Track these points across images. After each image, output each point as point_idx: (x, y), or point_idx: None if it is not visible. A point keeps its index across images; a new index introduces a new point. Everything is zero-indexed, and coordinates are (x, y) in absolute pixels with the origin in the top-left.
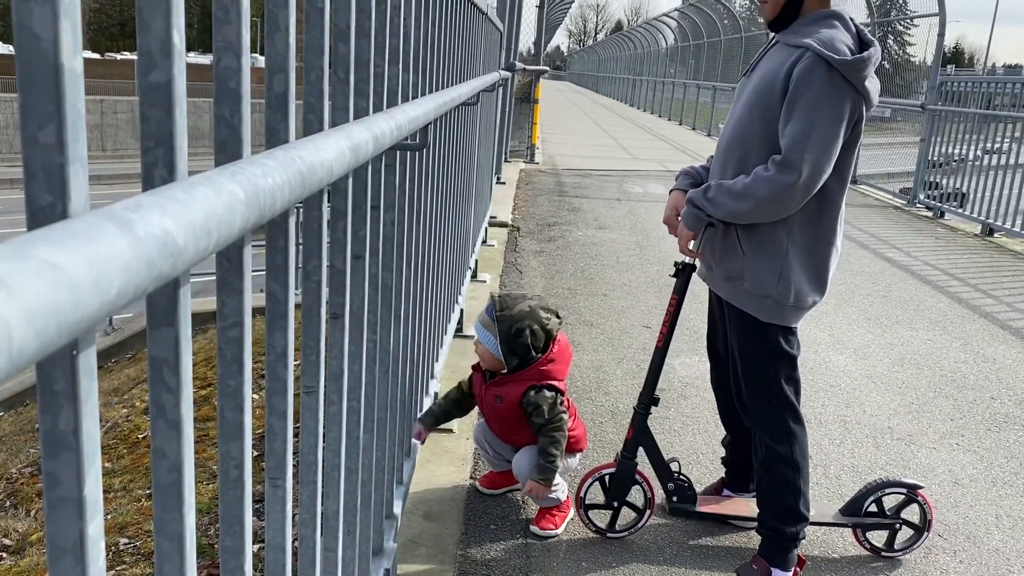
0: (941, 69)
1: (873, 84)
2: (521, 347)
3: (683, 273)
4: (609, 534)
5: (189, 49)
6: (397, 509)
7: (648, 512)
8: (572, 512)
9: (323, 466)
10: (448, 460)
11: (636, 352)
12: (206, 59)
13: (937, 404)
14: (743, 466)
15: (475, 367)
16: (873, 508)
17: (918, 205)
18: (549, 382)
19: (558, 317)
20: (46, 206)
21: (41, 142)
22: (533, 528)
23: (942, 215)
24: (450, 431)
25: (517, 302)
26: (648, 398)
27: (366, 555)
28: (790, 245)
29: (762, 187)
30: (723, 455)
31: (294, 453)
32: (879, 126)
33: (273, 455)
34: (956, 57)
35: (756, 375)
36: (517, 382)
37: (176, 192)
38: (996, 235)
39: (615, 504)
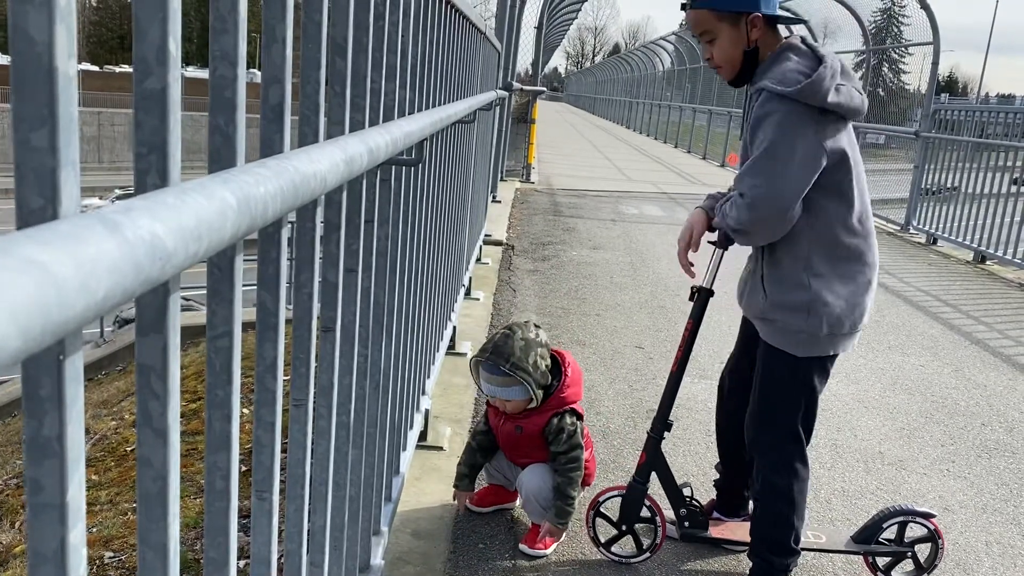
0: (935, 97)
1: (845, 94)
2: (543, 375)
3: (700, 297)
4: (603, 550)
5: (188, 63)
6: (385, 526)
7: (648, 555)
8: (564, 535)
9: (311, 480)
10: (438, 478)
11: (628, 372)
12: (205, 73)
13: (928, 430)
14: (735, 492)
15: (488, 402)
16: (886, 536)
17: (911, 231)
18: (570, 407)
19: (536, 325)
20: (36, 209)
21: (33, 145)
22: (522, 547)
23: (935, 242)
24: (440, 448)
25: (507, 343)
26: (662, 423)
27: (353, 571)
28: (811, 279)
29: (735, 210)
30: (716, 478)
31: (282, 469)
32: (873, 152)
33: (260, 467)
34: (950, 86)
35: (773, 405)
36: (539, 413)
37: (167, 197)
38: (988, 262)
39: (623, 527)
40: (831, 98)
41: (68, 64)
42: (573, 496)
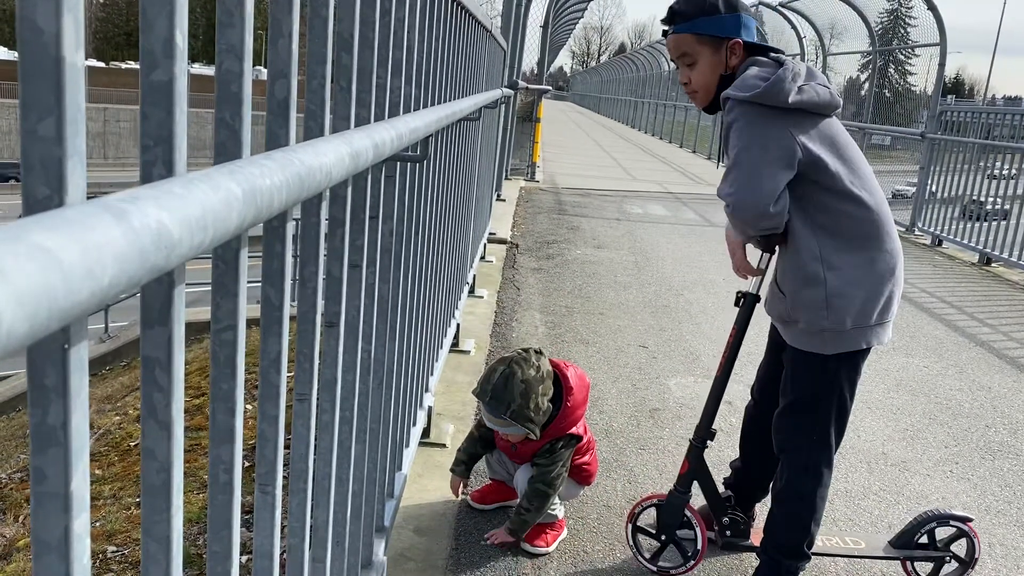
0: (941, 99)
1: (808, 92)
2: (544, 413)
3: (745, 303)
4: (630, 529)
5: (194, 60)
6: (388, 522)
7: (655, 571)
8: (565, 532)
9: (314, 475)
10: (440, 475)
11: (631, 371)
12: (210, 70)
13: (932, 431)
14: (744, 492)
15: None
16: (923, 540)
17: (917, 233)
18: (567, 433)
19: (538, 353)
20: (43, 199)
21: (40, 135)
22: (524, 545)
23: (940, 243)
24: (443, 446)
25: (507, 388)
26: (705, 431)
27: (355, 567)
28: (827, 272)
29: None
30: (727, 475)
31: (285, 465)
32: (879, 153)
33: (264, 461)
34: (957, 87)
35: (803, 407)
36: (536, 441)
37: (174, 186)
38: (994, 264)
39: (662, 537)
40: (793, 98)
41: (75, 54)
42: (528, 509)
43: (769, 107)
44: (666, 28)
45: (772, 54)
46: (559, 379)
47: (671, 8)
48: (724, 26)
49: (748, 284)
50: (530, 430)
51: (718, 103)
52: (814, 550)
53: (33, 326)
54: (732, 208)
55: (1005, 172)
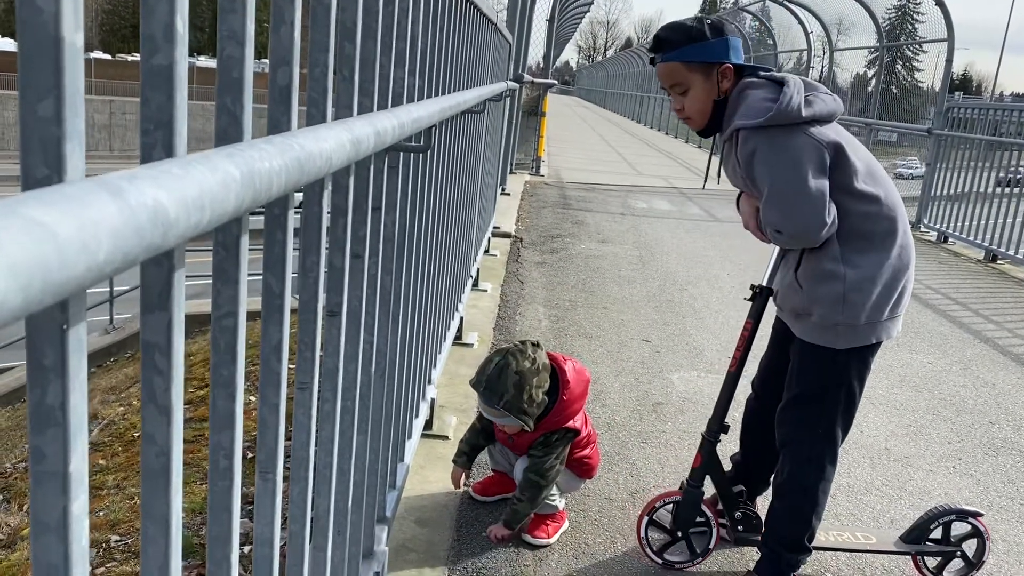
0: (949, 95)
1: (818, 104)
2: (539, 405)
3: (759, 297)
4: (648, 519)
5: (200, 53)
6: (389, 512)
7: (661, 563)
8: (566, 524)
9: (315, 464)
10: (442, 466)
11: (634, 365)
12: (215, 63)
13: (935, 427)
14: (747, 485)
15: None
16: (935, 535)
17: (922, 229)
18: (564, 426)
19: (535, 345)
20: (41, 179)
21: (39, 115)
22: (525, 536)
23: (946, 240)
24: (445, 438)
25: (501, 379)
26: (718, 425)
27: (356, 557)
28: (847, 269)
29: (780, 240)
30: (727, 470)
31: (286, 455)
32: (885, 150)
33: (264, 447)
34: (964, 84)
35: (810, 401)
36: (532, 432)
37: (172, 167)
38: (1000, 261)
39: (679, 534)
40: (806, 112)
41: (75, 35)
42: (521, 500)
43: (782, 127)
44: (654, 56)
45: (762, 73)
46: (557, 372)
47: (657, 37)
48: (713, 51)
49: (761, 278)
50: (524, 422)
51: (713, 126)
52: (824, 545)
53: (27, 298)
54: (788, 235)
55: (912, 171)
